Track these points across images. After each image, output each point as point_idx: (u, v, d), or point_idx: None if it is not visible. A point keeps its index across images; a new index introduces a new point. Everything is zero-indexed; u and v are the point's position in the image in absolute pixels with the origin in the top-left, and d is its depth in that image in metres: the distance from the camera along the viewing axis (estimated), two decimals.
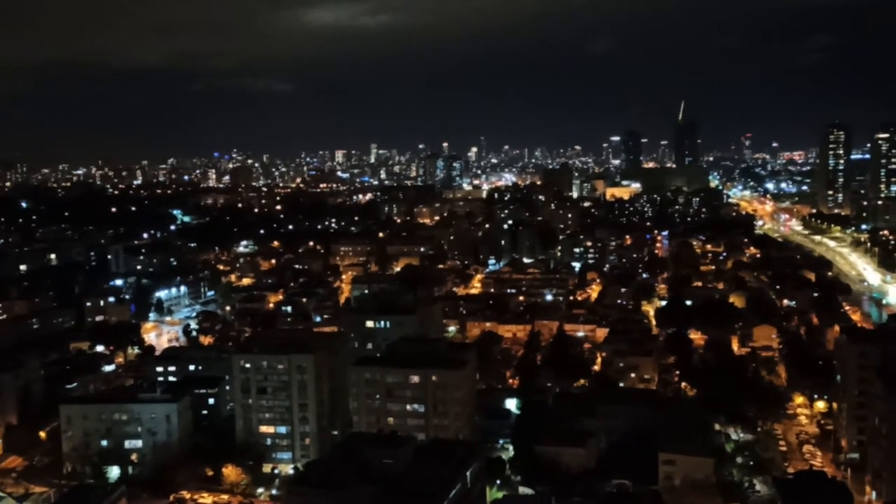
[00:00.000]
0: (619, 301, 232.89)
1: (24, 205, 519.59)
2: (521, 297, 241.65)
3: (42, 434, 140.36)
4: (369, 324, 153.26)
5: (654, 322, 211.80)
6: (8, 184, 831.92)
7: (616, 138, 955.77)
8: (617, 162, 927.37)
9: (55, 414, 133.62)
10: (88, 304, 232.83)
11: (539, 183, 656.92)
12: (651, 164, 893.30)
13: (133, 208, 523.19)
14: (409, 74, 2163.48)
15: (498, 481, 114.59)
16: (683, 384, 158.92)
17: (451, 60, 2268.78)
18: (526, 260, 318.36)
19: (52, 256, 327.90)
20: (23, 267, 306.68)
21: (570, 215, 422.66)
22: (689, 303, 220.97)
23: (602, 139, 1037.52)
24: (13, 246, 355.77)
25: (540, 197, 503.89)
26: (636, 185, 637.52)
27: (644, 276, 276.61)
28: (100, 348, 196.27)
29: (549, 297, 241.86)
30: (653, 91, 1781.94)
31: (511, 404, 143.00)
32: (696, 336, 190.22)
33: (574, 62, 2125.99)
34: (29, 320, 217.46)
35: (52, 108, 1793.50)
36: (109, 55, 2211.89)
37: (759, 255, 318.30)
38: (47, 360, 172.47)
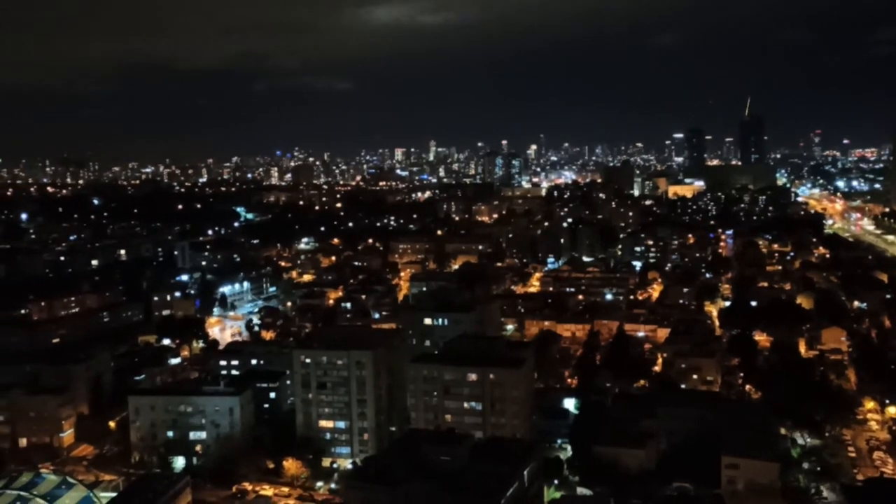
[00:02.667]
0: (681, 301, 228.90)
1: (95, 202, 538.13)
2: (580, 296, 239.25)
3: (112, 424, 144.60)
4: (427, 321, 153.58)
5: (717, 323, 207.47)
6: (81, 182, 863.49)
7: (679, 135, 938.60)
8: (680, 159, 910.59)
9: (124, 405, 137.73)
10: (156, 298, 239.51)
11: (599, 181, 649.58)
12: (715, 162, 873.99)
13: (198, 205, 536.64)
14: (468, 72, 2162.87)
15: (556, 481, 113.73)
16: (748, 387, 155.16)
17: (510, 57, 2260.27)
18: (585, 259, 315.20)
19: (122, 252, 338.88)
20: (94, 262, 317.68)
21: (630, 214, 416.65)
22: (754, 303, 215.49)
23: (664, 136, 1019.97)
24: (85, 242, 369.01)
25: (600, 195, 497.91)
26: (700, 183, 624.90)
27: (707, 275, 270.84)
28: (166, 342, 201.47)
29: (608, 297, 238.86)
30: (718, 87, 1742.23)
31: (569, 404, 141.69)
32: (761, 338, 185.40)
33: (637, 58, 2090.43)
34: (100, 314, 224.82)
35: (122, 108, 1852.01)
36: (177, 56, 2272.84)
37: (828, 256, 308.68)
38: (117, 353, 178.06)
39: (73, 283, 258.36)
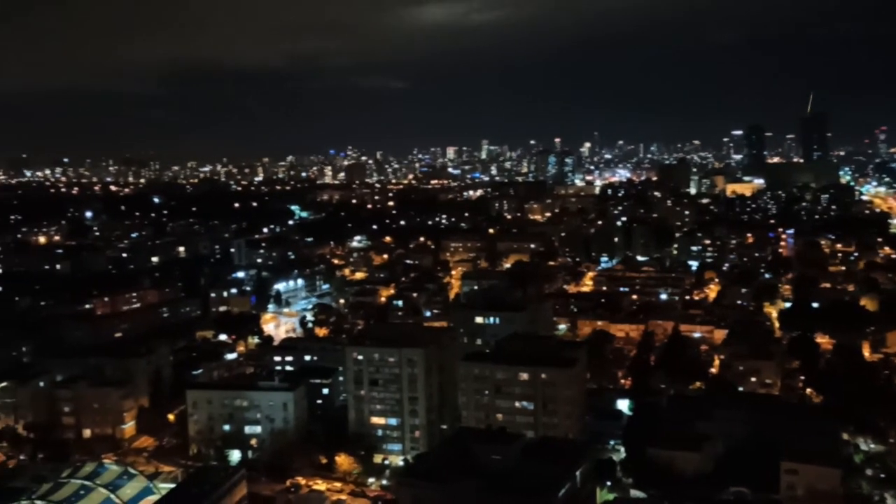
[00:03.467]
0: (738, 302, 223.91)
1: (156, 200, 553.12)
2: (634, 296, 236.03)
3: (171, 417, 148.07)
4: (479, 320, 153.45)
5: (776, 324, 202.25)
6: (142, 181, 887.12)
7: (738, 132, 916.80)
8: (739, 157, 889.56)
9: (182, 398, 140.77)
10: (213, 294, 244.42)
11: (655, 179, 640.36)
12: (776, 159, 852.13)
13: (254, 204, 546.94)
14: (521, 69, 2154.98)
15: (608, 483, 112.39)
16: (808, 390, 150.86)
17: (564, 54, 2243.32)
18: (640, 258, 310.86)
19: (181, 249, 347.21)
20: (155, 259, 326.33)
21: (687, 212, 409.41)
22: (815, 305, 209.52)
23: (723, 133, 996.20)
24: (146, 239, 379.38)
25: (655, 193, 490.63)
26: (759, 181, 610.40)
27: (766, 276, 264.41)
28: (223, 337, 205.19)
29: (663, 297, 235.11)
30: (778, 83, 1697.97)
31: (623, 405, 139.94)
32: (822, 340, 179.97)
33: (696, 53, 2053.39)
34: (159, 309, 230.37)
35: (182, 109, 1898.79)
36: (233, 57, 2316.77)
37: (894, 256, 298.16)
38: (176, 348, 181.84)
39: (134, 279, 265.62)
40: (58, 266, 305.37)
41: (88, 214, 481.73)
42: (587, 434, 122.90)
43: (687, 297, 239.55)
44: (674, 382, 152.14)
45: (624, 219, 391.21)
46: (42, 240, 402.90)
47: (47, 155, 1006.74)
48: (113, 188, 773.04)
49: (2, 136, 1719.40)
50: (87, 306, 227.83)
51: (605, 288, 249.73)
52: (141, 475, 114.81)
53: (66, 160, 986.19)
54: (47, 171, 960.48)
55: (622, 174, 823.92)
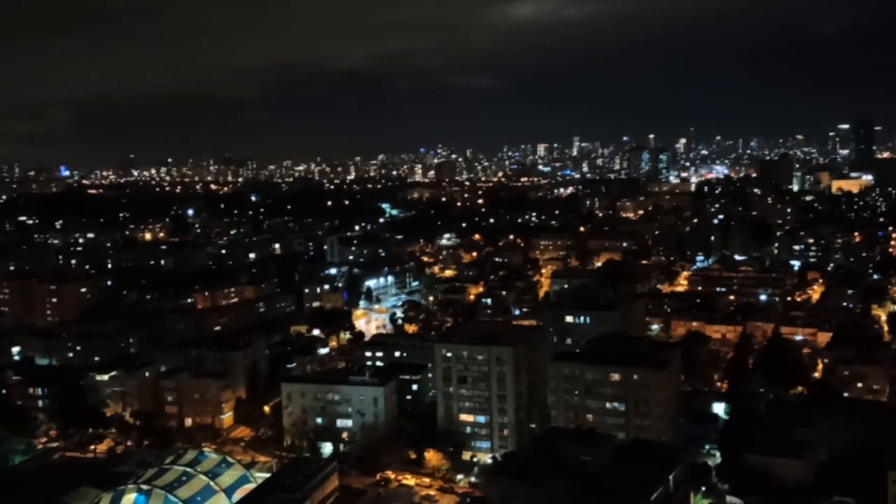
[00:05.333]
0: (844, 304, 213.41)
1: (253, 199, 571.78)
2: (731, 297, 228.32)
3: (266, 408, 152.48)
4: (569, 319, 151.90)
5: (885, 328, 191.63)
6: (240, 180, 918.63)
7: (844, 126, 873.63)
8: (845, 152, 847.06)
9: (277, 391, 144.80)
10: (307, 290, 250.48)
11: (754, 175, 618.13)
12: (886, 154, 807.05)
13: (346, 202, 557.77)
14: (614, 64, 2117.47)
15: (703, 488, 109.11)
16: None
17: (658, 48, 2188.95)
18: (738, 257, 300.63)
19: (277, 246, 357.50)
20: (252, 255, 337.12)
21: (788, 210, 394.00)
22: None
23: (828, 128, 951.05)
24: (244, 236, 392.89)
25: (755, 190, 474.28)
26: (867, 178, 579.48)
27: (875, 277, 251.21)
28: (316, 332, 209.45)
29: (763, 297, 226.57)
30: (889, 74, 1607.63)
31: (718, 409, 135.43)
32: None
33: (799, 44, 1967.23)
34: (256, 304, 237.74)
35: (277, 110, 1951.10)
36: (326, 58, 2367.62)
37: None
38: (271, 341, 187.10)
39: (232, 275, 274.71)
40: (162, 262, 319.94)
41: (190, 212, 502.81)
42: (681, 437, 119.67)
43: (788, 299, 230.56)
44: (773, 386, 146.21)
45: (721, 217, 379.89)
46: (148, 236, 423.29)
47: (153, 155, 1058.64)
48: (213, 187, 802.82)
49: (112, 137, 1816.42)
50: (189, 300, 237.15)
51: (700, 288, 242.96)
52: (238, 464, 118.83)
53: (169, 160, 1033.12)
54: (153, 171, 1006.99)
55: (719, 171, 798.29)
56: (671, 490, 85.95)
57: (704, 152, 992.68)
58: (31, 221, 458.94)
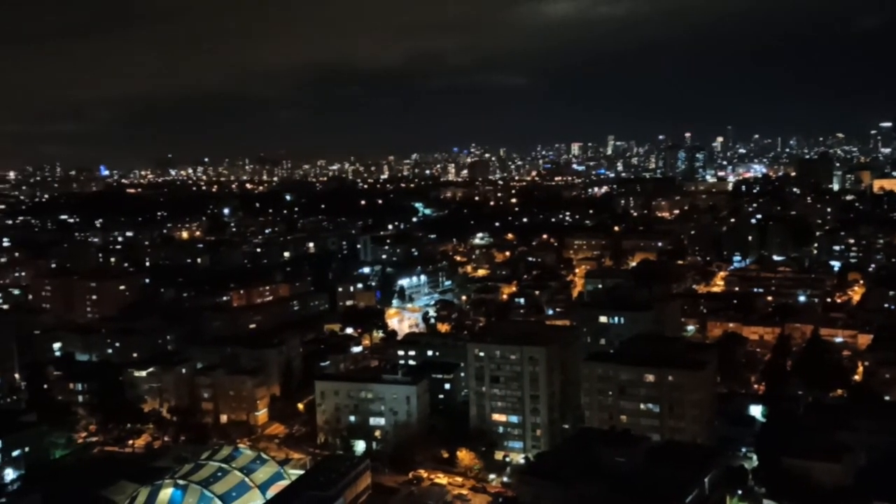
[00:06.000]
0: (885, 305, 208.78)
1: (287, 198, 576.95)
2: (769, 298, 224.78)
3: (300, 406, 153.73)
4: (602, 319, 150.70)
5: None
6: (275, 179, 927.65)
7: (887, 124, 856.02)
8: (887, 150, 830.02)
9: (311, 388, 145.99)
10: (340, 289, 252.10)
11: (793, 174, 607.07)
12: None
13: (380, 201, 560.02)
14: (649, 62, 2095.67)
15: (739, 491, 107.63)
16: None
17: (694, 46, 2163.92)
18: (776, 258, 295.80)
19: (311, 245, 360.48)
20: (286, 254, 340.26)
21: (828, 209, 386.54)
22: None
23: (870, 125, 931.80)
24: (279, 235, 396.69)
25: (794, 189, 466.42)
26: None
27: None
28: (349, 330, 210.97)
29: (801, 299, 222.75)
30: None
31: (755, 411, 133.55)
32: None
33: (839, 40, 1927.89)
34: (290, 302, 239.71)
35: (311, 109, 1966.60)
36: (359, 58, 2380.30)
37: None
38: (305, 339, 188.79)
39: (267, 273, 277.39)
40: (199, 260, 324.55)
41: (226, 211, 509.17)
42: (716, 439, 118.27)
43: (828, 300, 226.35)
44: (812, 389, 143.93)
45: (759, 216, 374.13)
46: (185, 235, 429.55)
47: (190, 155, 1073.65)
48: (248, 186, 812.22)
49: (151, 137, 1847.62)
50: (225, 298, 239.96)
51: (737, 288, 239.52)
52: (272, 461, 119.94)
53: (206, 160, 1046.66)
54: (190, 170, 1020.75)
55: (757, 169, 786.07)
56: (706, 493, 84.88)
57: (742, 151, 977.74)
58: (72, 220, 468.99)
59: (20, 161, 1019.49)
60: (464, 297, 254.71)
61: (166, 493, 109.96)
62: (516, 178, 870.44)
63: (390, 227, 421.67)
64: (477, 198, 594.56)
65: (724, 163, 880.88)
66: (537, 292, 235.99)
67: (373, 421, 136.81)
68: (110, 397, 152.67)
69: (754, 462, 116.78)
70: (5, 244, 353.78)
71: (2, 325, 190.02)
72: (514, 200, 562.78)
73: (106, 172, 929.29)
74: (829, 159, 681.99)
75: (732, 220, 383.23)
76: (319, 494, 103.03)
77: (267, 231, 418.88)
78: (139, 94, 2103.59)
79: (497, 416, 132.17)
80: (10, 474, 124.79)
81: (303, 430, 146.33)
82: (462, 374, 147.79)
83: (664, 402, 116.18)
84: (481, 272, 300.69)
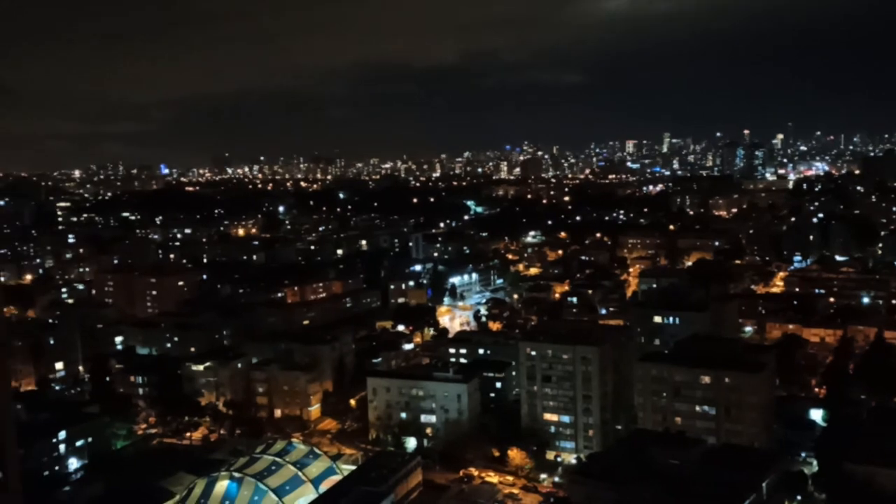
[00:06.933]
0: None
1: (341, 196, 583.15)
2: (831, 299, 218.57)
3: (352, 402, 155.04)
4: (657, 319, 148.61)
5: None
6: (329, 177, 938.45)
7: None
8: None
9: (363, 385, 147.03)
10: (392, 287, 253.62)
11: (857, 172, 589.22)
12: None
13: (432, 199, 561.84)
14: (706, 59, 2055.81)
15: (798, 497, 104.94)
16: None
17: (753, 42, 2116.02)
18: (838, 258, 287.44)
19: (363, 242, 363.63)
20: (339, 251, 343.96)
21: (894, 208, 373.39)
22: None
23: None
24: (332, 232, 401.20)
25: (858, 188, 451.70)
26: None
27: None
28: (401, 328, 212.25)
29: (865, 300, 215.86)
30: None
31: (816, 415, 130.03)
32: None
33: None
34: (343, 299, 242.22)
35: (365, 108, 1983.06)
36: (412, 56, 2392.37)
37: None
38: (357, 336, 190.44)
39: (320, 270, 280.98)
40: (254, 257, 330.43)
41: (281, 209, 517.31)
42: (775, 443, 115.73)
43: (893, 301, 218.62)
44: (875, 393, 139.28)
45: (821, 215, 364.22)
46: (241, 232, 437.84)
47: (246, 154, 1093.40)
48: (303, 184, 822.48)
49: (209, 136, 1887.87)
50: (279, 295, 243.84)
51: (797, 289, 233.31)
52: (325, 456, 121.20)
53: (262, 158, 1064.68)
54: (246, 169, 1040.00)
55: (819, 167, 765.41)
56: (764, 498, 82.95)
57: (803, 148, 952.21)
58: (133, 217, 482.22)
59: (85, 160, 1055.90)
60: (515, 296, 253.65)
61: (222, 485, 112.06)
62: (569, 176, 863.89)
63: (442, 225, 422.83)
64: (529, 196, 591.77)
65: (785, 160, 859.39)
66: (590, 291, 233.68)
67: (424, 418, 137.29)
68: (169, 390, 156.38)
69: (814, 467, 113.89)
70: (70, 241, 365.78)
71: (67, 319, 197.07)
72: (567, 198, 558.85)
73: (166, 171, 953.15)
74: (895, 157, 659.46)
75: (793, 219, 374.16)
76: (372, 490, 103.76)
77: (321, 229, 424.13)
78: (198, 94, 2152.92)
79: (549, 416, 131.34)
80: (73, 464, 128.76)
81: (355, 425, 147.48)
82: (513, 373, 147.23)
83: (720, 405, 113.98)
84: (533, 271, 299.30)
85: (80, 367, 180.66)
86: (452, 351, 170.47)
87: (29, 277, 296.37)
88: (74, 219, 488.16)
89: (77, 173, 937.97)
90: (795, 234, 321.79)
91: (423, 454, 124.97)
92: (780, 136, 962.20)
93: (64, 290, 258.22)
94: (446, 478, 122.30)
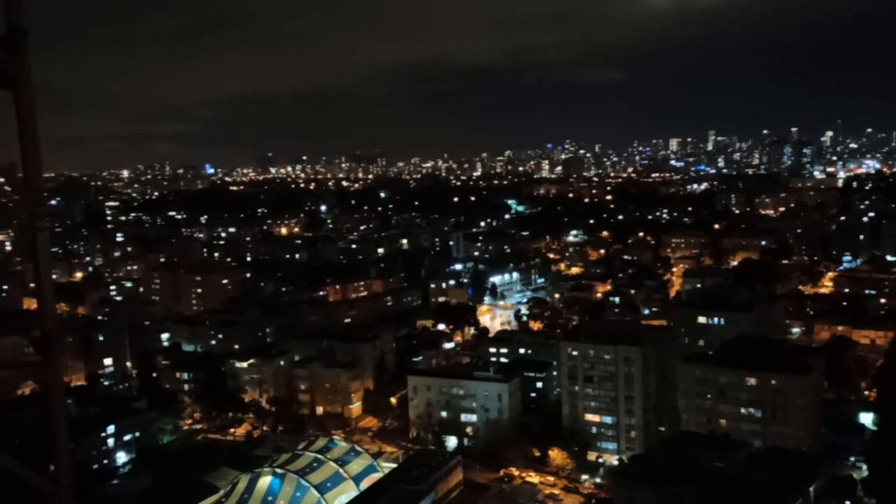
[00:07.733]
0: None
1: (382, 195, 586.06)
2: (882, 300, 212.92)
3: (393, 400, 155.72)
4: (701, 319, 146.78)
5: None
6: (370, 176, 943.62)
7: None
8: None
9: (403, 383, 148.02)
10: (432, 285, 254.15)
11: None
12: None
13: (472, 198, 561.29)
14: (753, 54, 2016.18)
15: (847, 502, 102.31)
16: None
17: (802, 37, 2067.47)
18: (890, 258, 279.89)
19: (404, 241, 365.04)
20: (380, 250, 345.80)
21: None
22: None
23: None
24: (373, 231, 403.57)
25: None
26: None
27: None
28: (441, 327, 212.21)
29: None
30: None
31: (866, 419, 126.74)
32: None
33: None
34: (384, 298, 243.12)
35: (405, 107, 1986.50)
36: (453, 55, 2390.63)
37: None
38: (398, 335, 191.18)
39: (362, 269, 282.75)
40: (297, 255, 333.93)
41: (323, 208, 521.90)
42: (823, 447, 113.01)
43: None
44: None
45: (871, 214, 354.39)
46: (284, 231, 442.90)
47: (289, 153, 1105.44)
48: (344, 183, 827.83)
49: (253, 136, 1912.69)
50: (321, 293, 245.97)
51: (847, 290, 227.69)
52: (366, 453, 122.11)
53: (304, 158, 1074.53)
54: (289, 168, 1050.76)
55: (870, 165, 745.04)
56: (812, 502, 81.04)
57: (853, 146, 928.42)
58: (179, 216, 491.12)
59: (133, 160, 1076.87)
60: (557, 296, 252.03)
61: (265, 480, 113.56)
62: (612, 174, 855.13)
63: (483, 224, 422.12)
64: (571, 195, 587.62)
65: (834, 158, 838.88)
66: (633, 291, 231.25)
67: (464, 417, 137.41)
68: (213, 387, 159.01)
69: (864, 472, 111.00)
70: (119, 239, 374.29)
71: (115, 316, 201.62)
72: (609, 197, 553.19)
73: (211, 171, 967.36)
74: None
75: (842, 218, 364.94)
76: (412, 488, 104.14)
77: (362, 228, 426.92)
78: (242, 93, 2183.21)
79: (590, 417, 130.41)
80: (122, 457, 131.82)
81: (395, 423, 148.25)
82: (554, 373, 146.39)
83: (766, 407, 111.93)
84: (575, 270, 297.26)
85: (128, 363, 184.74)
86: (493, 350, 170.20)
87: (79, 275, 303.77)
88: (123, 218, 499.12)
89: (125, 173, 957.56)
90: (845, 233, 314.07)
91: (463, 453, 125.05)
92: (830, 133, 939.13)
93: (113, 287, 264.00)
94: (486, 477, 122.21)
